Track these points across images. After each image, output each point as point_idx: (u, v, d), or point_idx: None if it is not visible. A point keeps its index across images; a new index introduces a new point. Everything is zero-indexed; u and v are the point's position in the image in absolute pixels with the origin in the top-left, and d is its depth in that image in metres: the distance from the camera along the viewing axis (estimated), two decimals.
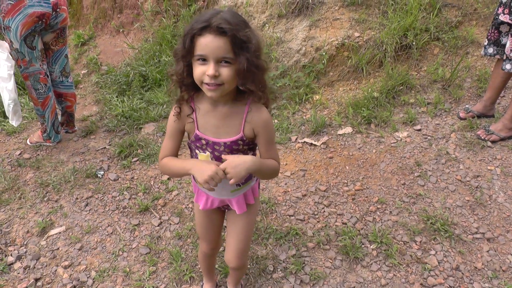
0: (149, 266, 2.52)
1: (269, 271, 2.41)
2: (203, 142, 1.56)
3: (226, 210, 1.91)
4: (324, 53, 3.96)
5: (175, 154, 1.67)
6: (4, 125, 4.09)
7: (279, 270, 2.43)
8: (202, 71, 1.35)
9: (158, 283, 2.42)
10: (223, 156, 1.51)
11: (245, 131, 1.53)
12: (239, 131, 1.52)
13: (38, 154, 3.65)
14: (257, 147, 1.65)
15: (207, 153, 1.57)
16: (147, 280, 2.45)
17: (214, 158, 1.57)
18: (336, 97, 3.92)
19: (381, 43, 3.93)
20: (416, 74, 3.98)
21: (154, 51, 4.57)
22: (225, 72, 1.35)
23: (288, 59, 4.09)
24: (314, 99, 3.91)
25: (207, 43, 1.31)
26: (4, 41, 3.32)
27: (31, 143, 3.76)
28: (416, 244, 2.54)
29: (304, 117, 3.74)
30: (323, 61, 3.97)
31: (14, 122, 3.59)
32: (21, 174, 3.42)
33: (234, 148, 1.55)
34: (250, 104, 1.50)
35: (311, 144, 3.43)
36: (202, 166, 1.46)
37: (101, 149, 3.64)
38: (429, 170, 3.07)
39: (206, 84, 1.37)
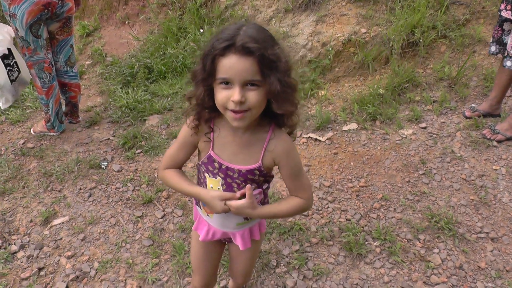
0: (152, 258, 2.52)
1: (272, 266, 2.41)
2: (216, 165, 1.40)
3: (227, 243, 1.76)
4: (330, 49, 3.94)
5: (180, 167, 1.54)
6: (8, 114, 4.08)
7: (282, 265, 2.42)
8: (226, 97, 1.19)
9: (161, 275, 2.43)
10: (237, 194, 1.37)
11: (264, 161, 1.37)
12: (258, 160, 1.37)
13: (42, 144, 3.64)
14: (271, 180, 1.51)
15: (218, 178, 1.43)
16: (150, 272, 2.45)
17: (225, 184, 1.43)
18: (342, 93, 3.90)
19: (387, 40, 3.91)
20: (422, 71, 3.96)
21: (159, 43, 4.55)
22: (253, 96, 1.19)
23: (294, 53, 4.07)
24: (320, 94, 3.90)
25: (231, 65, 1.15)
26: (6, 25, 3.32)
27: (34, 132, 3.76)
28: (420, 242, 2.53)
29: (309, 112, 3.73)
30: (329, 57, 3.95)
31: (0, 103, 3.60)
32: (25, 163, 3.42)
33: (249, 177, 1.40)
34: (272, 130, 1.36)
35: (316, 139, 3.42)
36: (213, 202, 1.37)
37: (105, 140, 3.63)
38: (434, 168, 3.06)
39: (232, 111, 1.21)
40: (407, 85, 3.79)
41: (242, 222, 1.56)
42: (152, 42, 4.63)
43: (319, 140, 3.41)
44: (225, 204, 1.36)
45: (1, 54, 3.36)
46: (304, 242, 2.55)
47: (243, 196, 1.36)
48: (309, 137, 3.46)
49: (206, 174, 1.45)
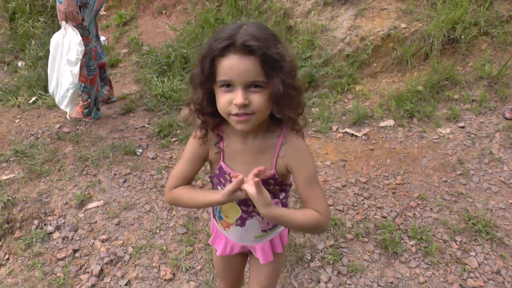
0: (186, 246, 2.53)
1: (307, 260, 2.40)
2: (227, 177, 1.30)
3: (250, 254, 1.63)
4: (369, 43, 3.88)
5: (189, 183, 1.38)
6: (45, 99, 4.15)
7: (316, 259, 2.41)
8: (228, 100, 1.11)
9: (195, 263, 2.44)
10: (239, 176, 1.16)
11: (277, 168, 1.27)
12: (271, 168, 1.26)
13: (78, 129, 3.69)
14: (290, 189, 1.39)
15: None
16: (184, 260, 2.46)
17: None
18: (379, 88, 3.84)
19: (428, 36, 3.82)
20: (462, 69, 3.87)
21: (196, 33, 4.56)
22: (257, 98, 1.10)
23: (332, 47, 4.02)
24: (357, 89, 3.85)
25: (231, 65, 1.07)
26: (69, 25, 3.33)
27: (70, 118, 3.81)
28: (456, 244, 2.48)
29: (345, 107, 3.69)
30: (368, 51, 3.89)
31: (68, 108, 3.59)
32: (61, 147, 3.47)
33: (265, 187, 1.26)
34: (284, 134, 1.25)
35: (352, 134, 3.38)
36: (228, 198, 1.20)
37: (140, 127, 3.66)
38: (472, 169, 2.99)
39: (234, 115, 1.12)
40: (446, 82, 3.71)
41: (261, 235, 1.46)
42: (189, 32, 4.64)
43: (356, 136, 3.37)
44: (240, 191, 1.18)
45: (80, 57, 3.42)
46: (339, 238, 2.53)
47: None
48: (346, 132, 3.42)
49: (219, 187, 1.35)
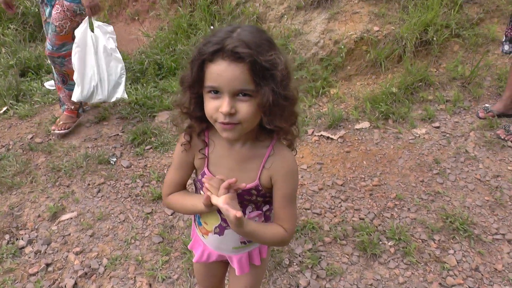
0: (162, 255, 2.48)
1: (285, 265, 2.37)
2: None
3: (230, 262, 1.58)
4: (342, 47, 3.90)
5: (183, 189, 1.39)
6: (16, 109, 4.05)
7: (295, 264, 2.38)
8: (214, 107, 1.07)
9: (171, 273, 2.38)
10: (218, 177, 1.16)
11: (261, 179, 1.23)
12: (255, 178, 1.23)
13: (50, 139, 3.61)
14: None
15: None
16: (160, 269, 2.41)
17: None
18: (354, 91, 3.85)
19: (400, 38, 3.86)
20: (435, 71, 3.91)
21: (169, 39, 4.51)
22: (244, 108, 1.06)
23: (305, 51, 4.03)
24: (331, 92, 3.85)
25: (220, 72, 1.03)
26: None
27: (62, 130, 3.62)
28: (435, 243, 2.48)
29: (320, 110, 3.68)
30: (341, 55, 3.90)
31: (120, 94, 3.54)
32: (33, 158, 3.39)
33: (246, 198, 1.26)
34: (273, 145, 1.22)
35: (328, 137, 3.37)
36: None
37: (114, 135, 3.59)
38: (448, 168, 3.01)
39: (221, 122, 1.09)
40: (420, 84, 3.74)
41: (239, 246, 1.42)
42: (162, 38, 4.59)
43: (331, 138, 3.36)
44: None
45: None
46: (317, 241, 2.51)
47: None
48: (321, 135, 3.41)
49: (202, 192, 1.28)
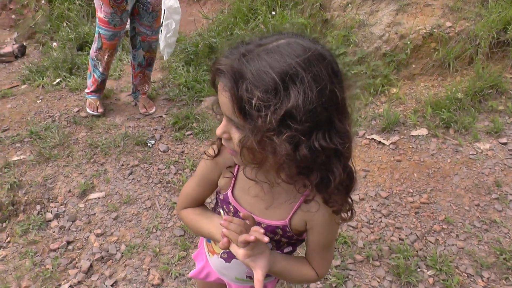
0: (180, 250, 2.36)
1: None
2: (231, 209, 1.12)
3: None
4: (408, 42, 3.54)
5: (200, 205, 1.25)
6: (68, 81, 4.08)
7: None
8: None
9: (185, 270, 2.26)
10: (255, 234, 0.93)
11: (292, 221, 1.05)
12: (285, 218, 1.04)
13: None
14: (299, 244, 1.19)
15: None
16: (175, 265, 2.29)
17: None
18: (415, 92, 3.50)
19: (474, 37, 3.44)
20: (510, 77, 3.47)
21: (228, 23, 4.36)
22: (234, 138, 0.89)
23: (368, 44, 3.71)
24: (391, 92, 3.53)
25: (219, 90, 0.87)
26: None
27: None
28: (483, 281, 2.16)
29: (376, 111, 3.38)
30: (406, 51, 3.55)
31: (165, 54, 3.67)
32: (74, 132, 3.38)
33: (267, 235, 0.99)
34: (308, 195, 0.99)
35: (379, 142, 3.08)
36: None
37: (157, 117, 3.50)
38: (510, 194, 2.64)
39: None
40: (490, 91, 3.33)
41: (243, 279, 1.27)
42: (220, 21, 4.45)
43: (383, 144, 3.06)
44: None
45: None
46: (347, 258, 2.27)
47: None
48: (373, 138, 3.12)
49: (221, 211, 1.18)
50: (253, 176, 0.98)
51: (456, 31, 3.50)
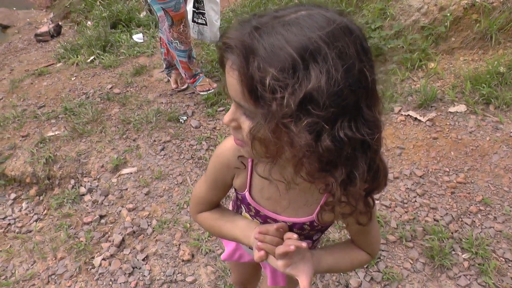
0: None
1: None
2: (252, 209, 1.04)
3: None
4: (448, 14, 3.37)
5: (216, 206, 1.14)
6: (102, 59, 4.12)
7: None
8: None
9: (216, 247, 2.26)
10: (292, 242, 0.88)
11: (319, 216, 0.96)
12: (311, 213, 0.96)
13: (128, 91, 3.61)
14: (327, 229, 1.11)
15: (256, 221, 1.07)
16: (205, 241, 2.29)
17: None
18: (454, 67, 3.34)
19: None
20: None
21: None
22: (245, 127, 0.77)
23: (406, 17, 3.56)
24: (429, 67, 3.38)
25: (227, 69, 0.74)
26: None
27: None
28: None
29: (413, 87, 3.25)
30: (446, 24, 3.38)
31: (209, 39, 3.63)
32: (108, 108, 3.41)
33: (294, 231, 1.00)
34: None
35: (416, 119, 2.96)
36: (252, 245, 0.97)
37: (190, 93, 3.49)
38: None
39: None
40: None
41: None
42: None
43: (419, 120, 2.95)
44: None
45: None
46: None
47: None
48: (409, 115, 3.00)
49: (243, 206, 1.09)
50: (266, 174, 0.86)
51: (501, 0, 3.30)
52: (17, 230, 2.64)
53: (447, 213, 2.32)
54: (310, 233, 1.04)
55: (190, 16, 3.39)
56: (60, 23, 5.38)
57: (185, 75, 3.40)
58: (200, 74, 3.44)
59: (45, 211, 2.74)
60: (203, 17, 3.39)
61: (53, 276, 2.29)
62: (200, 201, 1.13)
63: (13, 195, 2.90)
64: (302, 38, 0.66)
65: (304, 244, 0.85)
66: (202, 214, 1.13)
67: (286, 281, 1.26)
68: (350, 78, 0.68)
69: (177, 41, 3.13)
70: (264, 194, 0.98)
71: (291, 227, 1.00)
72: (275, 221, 1.00)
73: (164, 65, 3.57)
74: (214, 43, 3.68)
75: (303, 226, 1.00)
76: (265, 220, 1.03)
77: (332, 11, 0.73)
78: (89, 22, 5.16)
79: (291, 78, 0.66)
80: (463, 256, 2.11)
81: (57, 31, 5.22)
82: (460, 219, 2.29)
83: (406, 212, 2.36)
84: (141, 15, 4.91)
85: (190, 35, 3.22)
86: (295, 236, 0.88)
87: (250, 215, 1.07)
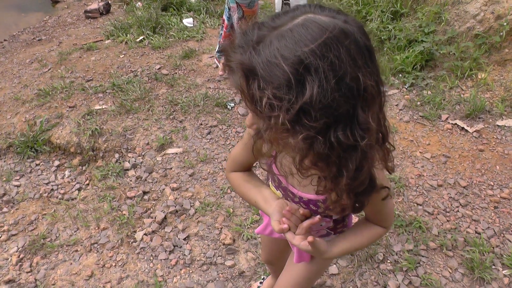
0: (254, 214, 2.40)
1: (378, 260, 2.14)
2: (276, 180, 1.12)
3: None
4: (505, 24, 3.31)
5: (248, 170, 1.24)
6: (151, 39, 4.19)
7: (389, 261, 2.14)
8: None
9: (257, 234, 2.30)
10: (300, 211, 1.01)
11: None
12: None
13: (176, 73, 3.67)
14: None
15: (278, 192, 1.15)
16: (247, 227, 2.33)
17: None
18: (505, 80, 3.30)
19: None
20: None
21: None
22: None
23: (460, 23, 3.53)
24: (479, 77, 3.35)
25: None
26: None
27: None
28: None
29: (461, 95, 3.23)
30: (501, 33, 3.34)
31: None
32: (155, 88, 3.48)
33: (311, 207, 1.07)
34: None
35: (462, 128, 2.95)
36: (272, 217, 1.03)
37: None
38: None
39: None
40: None
41: None
42: None
43: (466, 130, 2.94)
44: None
45: None
46: (420, 244, 2.23)
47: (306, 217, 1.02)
48: (456, 124, 2.99)
49: (269, 177, 1.17)
50: (279, 159, 0.98)
51: None
52: (59, 196, 2.72)
53: (489, 227, 2.32)
54: (326, 211, 1.09)
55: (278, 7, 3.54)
56: (109, 2, 5.47)
57: None
58: None
59: (87, 181, 2.82)
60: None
61: (95, 245, 2.35)
62: (234, 160, 1.22)
63: (56, 162, 2.98)
64: (296, 52, 0.70)
65: (316, 218, 0.96)
66: (235, 173, 1.23)
67: (310, 258, 1.32)
68: (342, 88, 0.71)
69: None
70: (283, 168, 1.01)
71: (307, 204, 1.07)
72: (293, 194, 1.08)
73: (217, 48, 3.62)
74: None
75: (317, 203, 1.06)
76: (285, 192, 1.10)
77: (327, 12, 0.76)
78: (139, 3, 5.24)
79: (287, 94, 0.70)
80: (503, 272, 2.10)
81: (106, 9, 5.32)
82: (502, 235, 2.28)
83: (448, 221, 2.36)
84: (192, 0, 4.97)
85: None
86: (317, 218, 0.97)
87: (274, 186, 1.15)
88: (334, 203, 0.91)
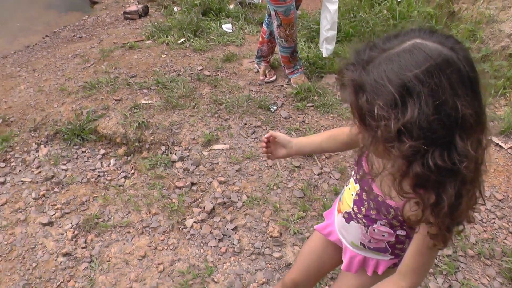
0: (300, 210, 2.51)
1: None
2: (361, 172, 1.16)
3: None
4: None
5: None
6: (192, 42, 4.33)
7: None
8: None
9: (304, 229, 2.41)
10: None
11: (405, 209, 1.02)
12: (400, 201, 1.02)
13: (218, 75, 3.80)
14: (412, 234, 1.08)
15: (357, 185, 1.20)
16: (294, 223, 2.44)
17: (358, 195, 1.19)
18: None
19: None
20: None
21: (352, 5, 4.45)
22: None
23: (494, 42, 3.65)
24: None
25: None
26: None
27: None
28: None
29: (495, 113, 3.34)
30: None
31: (324, 50, 3.79)
32: (198, 87, 3.61)
33: (382, 211, 1.10)
34: None
35: (497, 144, 3.08)
36: None
37: (279, 86, 3.66)
38: None
39: None
40: None
41: (357, 245, 1.28)
42: (345, 3, 4.53)
43: (501, 146, 3.06)
44: None
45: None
46: (459, 250, 2.33)
47: None
48: (490, 139, 3.10)
49: (352, 177, 1.24)
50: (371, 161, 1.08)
51: None
52: (106, 182, 2.83)
53: None
54: (393, 222, 1.11)
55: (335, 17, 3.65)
56: (148, 5, 5.65)
57: (284, 67, 3.63)
58: (299, 69, 3.63)
59: (133, 171, 2.93)
60: None
61: (147, 228, 2.46)
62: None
63: (102, 151, 3.10)
64: (401, 76, 0.80)
65: (383, 228, 1.12)
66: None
67: (358, 271, 1.34)
68: (441, 113, 0.79)
69: (282, 39, 3.34)
70: (373, 163, 1.08)
71: (380, 205, 1.10)
72: (372, 193, 1.11)
73: (256, 53, 3.77)
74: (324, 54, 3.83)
75: (389, 209, 1.08)
76: (363, 187, 1.16)
77: (437, 38, 0.84)
78: (176, 8, 5.40)
79: (391, 111, 0.80)
80: None
81: (145, 12, 5.49)
82: None
83: (485, 231, 2.46)
84: (231, 7, 5.13)
85: (296, 35, 3.42)
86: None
87: (355, 179, 1.21)
88: (433, 236, 0.94)
